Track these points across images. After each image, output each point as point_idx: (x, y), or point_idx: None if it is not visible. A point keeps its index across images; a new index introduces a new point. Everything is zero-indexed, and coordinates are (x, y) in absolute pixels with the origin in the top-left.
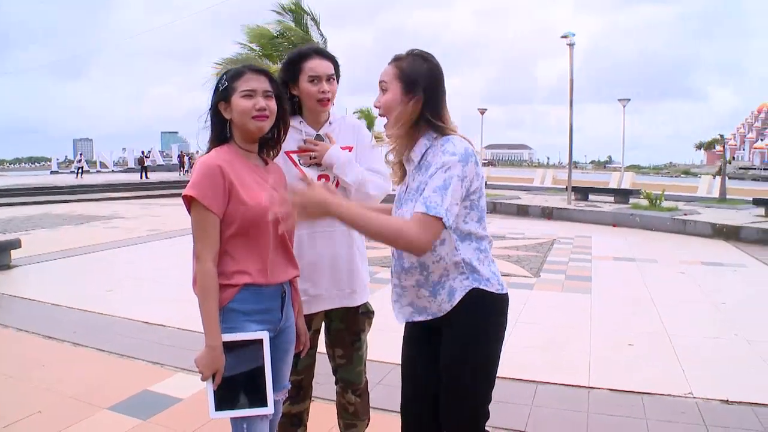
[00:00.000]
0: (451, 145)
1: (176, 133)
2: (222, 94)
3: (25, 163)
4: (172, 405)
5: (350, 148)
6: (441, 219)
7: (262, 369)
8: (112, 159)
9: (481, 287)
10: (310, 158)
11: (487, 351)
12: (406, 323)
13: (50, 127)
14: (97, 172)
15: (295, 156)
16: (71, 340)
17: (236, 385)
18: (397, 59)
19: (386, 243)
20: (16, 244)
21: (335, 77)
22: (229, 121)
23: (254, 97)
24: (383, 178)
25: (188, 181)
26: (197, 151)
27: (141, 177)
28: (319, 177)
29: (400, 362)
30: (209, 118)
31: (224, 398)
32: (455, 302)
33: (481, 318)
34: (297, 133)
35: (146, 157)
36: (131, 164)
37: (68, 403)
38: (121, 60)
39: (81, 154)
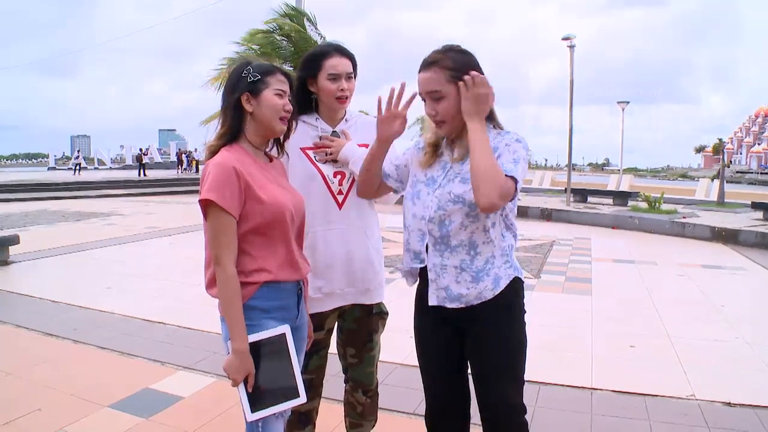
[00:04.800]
0: (515, 134)
1: (174, 130)
2: (251, 86)
3: (22, 159)
4: (174, 403)
5: (366, 146)
6: (516, 180)
7: (288, 362)
8: (109, 156)
9: (518, 276)
10: (326, 154)
11: (523, 328)
12: (432, 310)
13: (47, 123)
14: (95, 169)
15: (310, 152)
16: (71, 337)
17: (266, 383)
18: (434, 62)
19: (485, 176)
20: (13, 240)
21: (353, 75)
22: (246, 115)
23: (283, 98)
24: None
25: (186, 179)
26: (195, 149)
27: (139, 174)
28: (335, 173)
29: (417, 359)
30: (228, 109)
31: (257, 398)
32: (499, 290)
33: (518, 301)
34: (313, 129)
35: (144, 154)
36: (129, 161)
37: (68, 401)
38: (119, 57)
39: (78, 151)
